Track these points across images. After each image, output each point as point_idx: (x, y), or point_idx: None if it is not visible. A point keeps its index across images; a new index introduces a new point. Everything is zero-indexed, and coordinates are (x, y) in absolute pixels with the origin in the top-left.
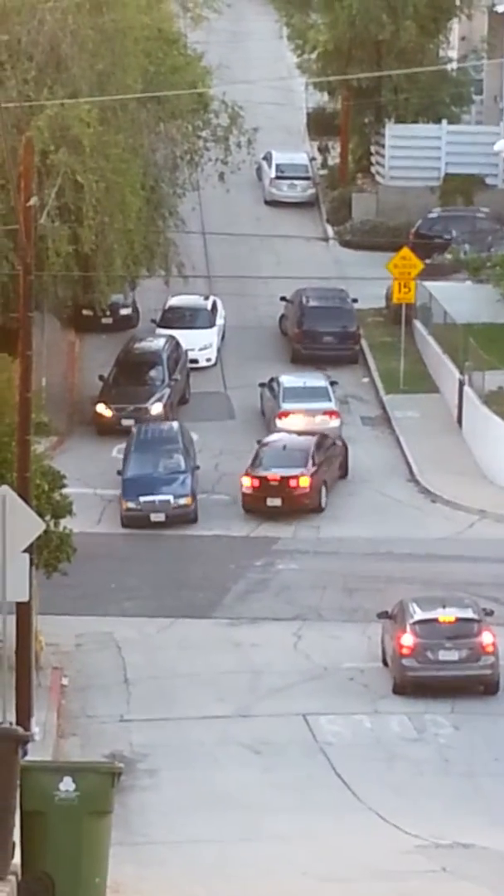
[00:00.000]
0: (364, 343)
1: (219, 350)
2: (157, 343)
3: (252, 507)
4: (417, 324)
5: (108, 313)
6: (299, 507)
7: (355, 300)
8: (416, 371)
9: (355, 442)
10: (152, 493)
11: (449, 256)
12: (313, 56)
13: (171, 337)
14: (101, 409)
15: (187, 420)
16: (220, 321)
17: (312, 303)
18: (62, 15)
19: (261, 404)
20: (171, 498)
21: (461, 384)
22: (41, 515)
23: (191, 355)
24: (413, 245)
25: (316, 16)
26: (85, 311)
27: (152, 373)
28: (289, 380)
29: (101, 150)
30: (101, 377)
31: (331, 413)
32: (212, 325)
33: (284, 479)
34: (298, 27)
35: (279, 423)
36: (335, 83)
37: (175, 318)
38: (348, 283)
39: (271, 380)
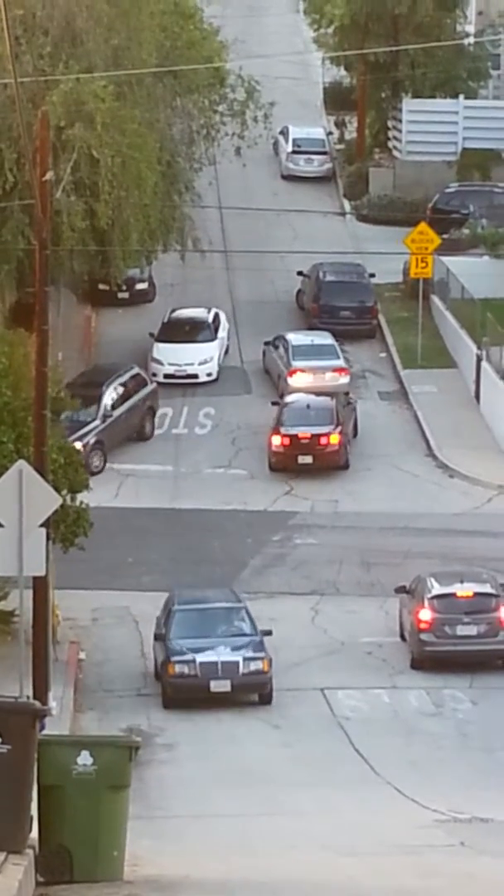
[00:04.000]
0: (381, 318)
1: (220, 365)
2: (105, 373)
3: (281, 466)
4: (435, 299)
5: (124, 288)
6: (329, 464)
7: (372, 275)
8: (433, 346)
9: (373, 417)
10: (212, 652)
11: (466, 231)
12: (330, 30)
13: (132, 367)
14: None
15: (203, 395)
16: (222, 334)
17: (329, 277)
18: None
19: (263, 362)
20: (239, 659)
21: (479, 359)
22: (58, 490)
23: (190, 370)
24: (430, 220)
25: None
26: (101, 286)
27: (90, 408)
28: (296, 338)
29: (117, 125)
30: None
31: (340, 370)
32: (213, 338)
33: (315, 437)
34: (315, 1)
35: (290, 380)
36: (352, 58)
37: (175, 331)
38: (365, 258)
39: (276, 338)
